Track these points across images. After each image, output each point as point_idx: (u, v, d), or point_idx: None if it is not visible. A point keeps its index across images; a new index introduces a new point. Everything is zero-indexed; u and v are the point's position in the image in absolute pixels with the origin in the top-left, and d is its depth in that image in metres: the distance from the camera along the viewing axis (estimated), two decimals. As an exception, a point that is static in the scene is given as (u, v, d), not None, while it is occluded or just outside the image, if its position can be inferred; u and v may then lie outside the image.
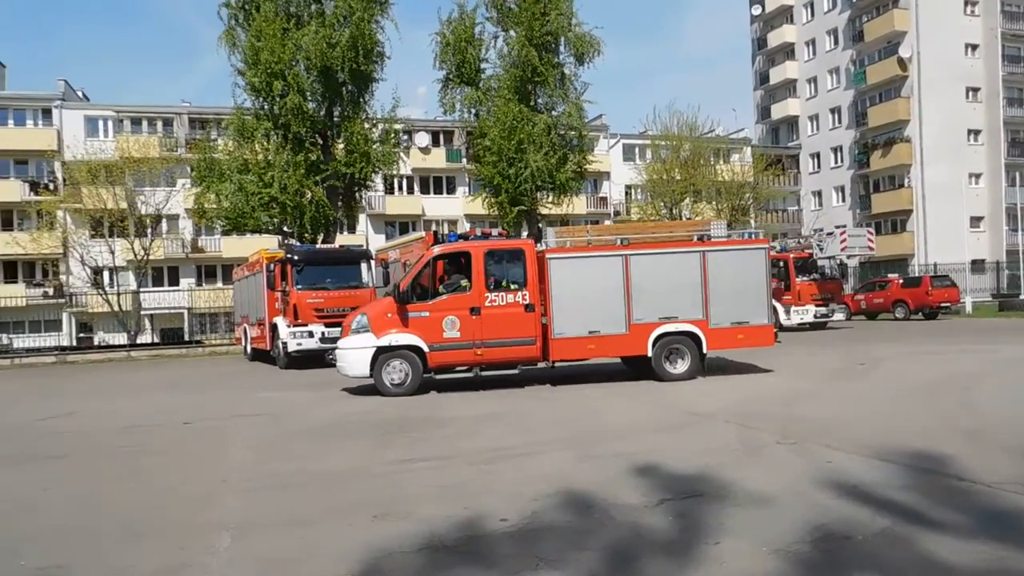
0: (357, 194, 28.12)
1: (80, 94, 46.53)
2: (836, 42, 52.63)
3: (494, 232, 13.20)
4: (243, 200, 24.82)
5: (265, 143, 25.27)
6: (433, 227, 44.93)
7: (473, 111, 29.41)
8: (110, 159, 35.26)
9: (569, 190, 29.60)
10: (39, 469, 7.71)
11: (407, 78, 69.14)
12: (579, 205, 41.16)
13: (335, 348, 13.07)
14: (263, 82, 24.28)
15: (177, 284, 41.90)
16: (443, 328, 12.09)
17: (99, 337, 38.79)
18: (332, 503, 5.77)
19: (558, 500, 5.48)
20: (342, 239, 30.07)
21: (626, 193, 48.90)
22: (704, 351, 12.49)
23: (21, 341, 36.71)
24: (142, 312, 34.62)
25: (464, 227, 43.75)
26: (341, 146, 26.63)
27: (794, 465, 6.35)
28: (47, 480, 7.09)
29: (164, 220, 38.14)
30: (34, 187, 40.07)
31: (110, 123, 42.57)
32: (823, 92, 53.75)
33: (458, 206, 46.57)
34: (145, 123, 43.24)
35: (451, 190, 47.81)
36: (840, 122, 52.67)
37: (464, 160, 44.75)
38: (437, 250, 12.52)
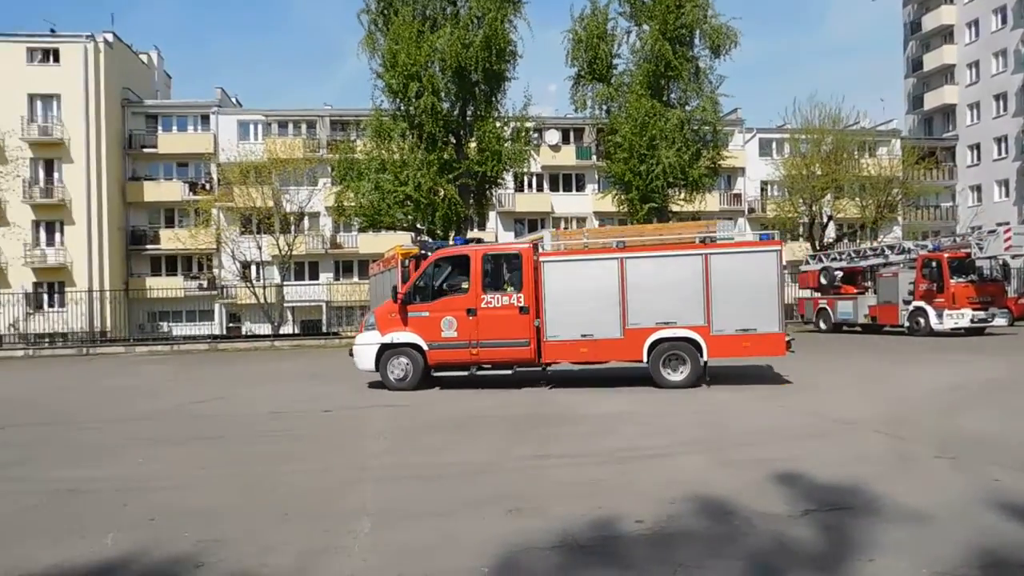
0: (488, 192, 28.57)
1: (234, 100, 49.95)
2: (1004, 21, 48.40)
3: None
4: (379, 198, 25.80)
5: (401, 143, 26.13)
6: (563, 224, 45.06)
7: (604, 107, 29.21)
8: (259, 160, 37.70)
9: (702, 187, 28.88)
10: (196, 449, 8.31)
11: (538, 76, 69.81)
12: (712, 202, 40.05)
13: None
14: (400, 84, 25.12)
15: (316, 278, 44.14)
16: (441, 328, 12.73)
17: (246, 327, 41.47)
18: (466, 495, 5.87)
19: (696, 504, 5.32)
20: (472, 236, 30.65)
21: (761, 190, 47.07)
22: (705, 358, 12.03)
23: (179, 329, 39.87)
24: (285, 304, 36.75)
25: (593, 224, 43.58)
26: (473, 145, 27.13)
27: (955, 482, 5.87)
28: (204, 460, 7.62)
29: (306, 217, 40.27)
30: (193, 187, 43.41)
31: (260, 127, 45.40)
32: (986, 77, 49.59)
33: (587, 203, 46.41)
34: (291, 126, 45.81)
35: (580, 187, 47.72)
36: (1005, 110, 48.42)
37: (594, 157, 44.51)
38: (440, 253, 13.22)
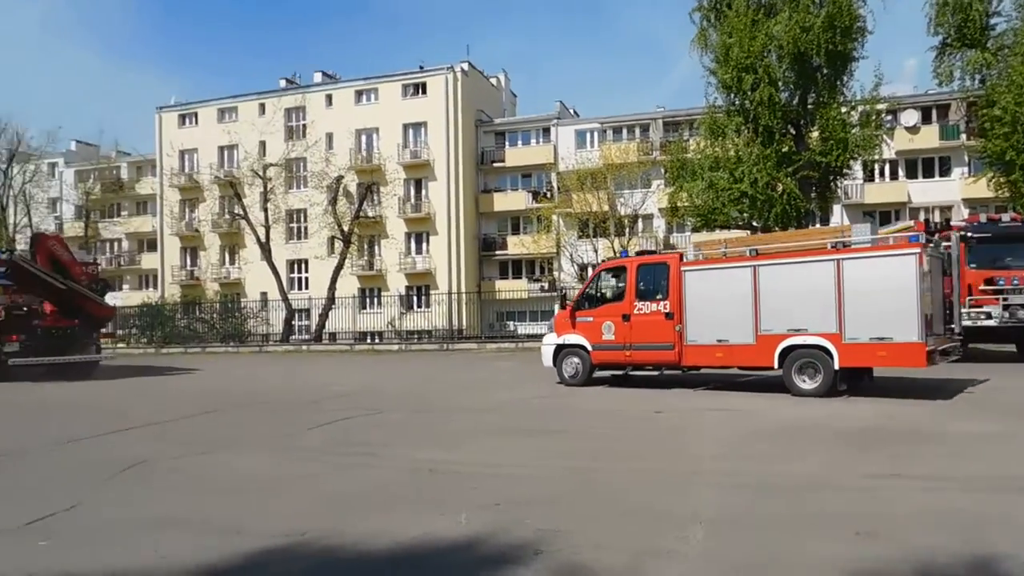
0: (832, 184, 26.47)
1: (572, 112, 52.79)
2: None
3: (1005, 217, 11.45)
4: (713, 196, 25.30)
5: (735, 138, 25.35)
6: (922, 215, 40.01)
7: (977, 77, 25.36)
8: (595, 167, 39.34)
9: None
10: (539, 441, 8.83)
11: (893, 51, 62.84)
12: None
13: None
14: (733, 78, 24.40)
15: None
16: (602, 331, 14.14)
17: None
18: (806, 510, 5.41)
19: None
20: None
21: None
22: (837, 367, 11.53)
23: (523, 328, 43.14)
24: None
25: (963, 214, 37.97)
26: (815, 134, 25.35)
27: None
28: (546, 452, 8.06)
29: (640, 220, 41.06)
30: (535, 196, 46.81)
31: (595, 134, 47.37)
32: None
33: (954, 190, 40.60)
34: (625, 131, 47.05)
35: (944, 172, 41.90)
36: None
37: (963, 136, 38.87)
38: (605, 264, 15.31)
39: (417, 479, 6.80)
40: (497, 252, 48.74)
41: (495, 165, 49.11)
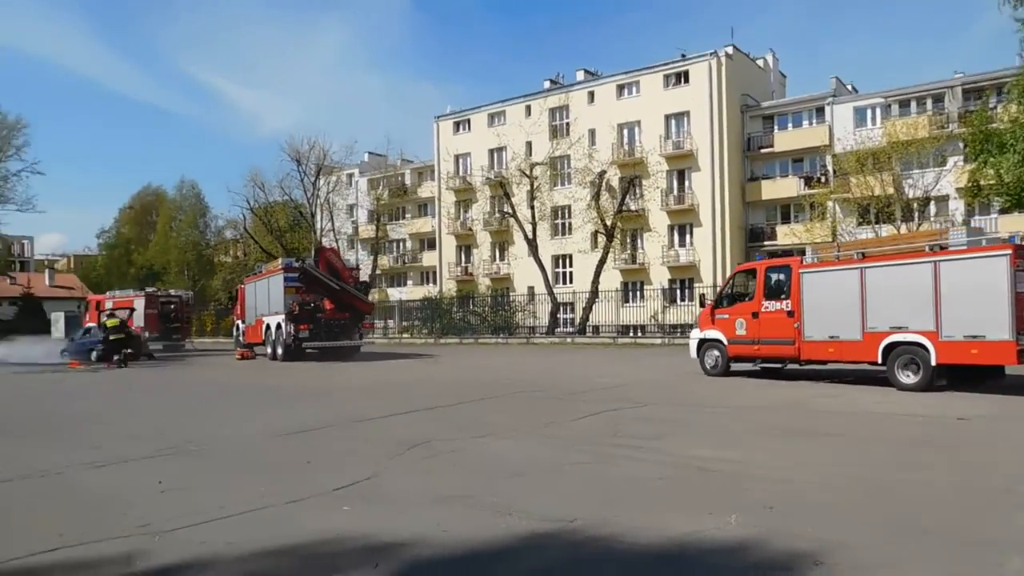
0: None
1: (850, 88, 48.57)
2: None
3: None
4: (1030, 171, 21.88)
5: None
6: None
7: None
8: (877, 146, 35.83)
9: None
10: (817, 444, 8.22)
11: None
12: None
13: None
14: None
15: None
16: (736, 327, 15.72)
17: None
18: None
19: None
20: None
21: None
22: (933, 363, 12.21)
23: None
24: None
25: None
26: None
27: None
28: (824, 455, 7.49)
29: (932, 202, 36.71)
30: (807, 182, 43.73)
31: (877, 110, 43.11)
32: None
33: None
34: (913, 104, 42.26)
35: None
36: None
37: None
38: (740, 267, 17.37)
39: (685, 475, 6.66)
40: (765, 242, 46.30)
41: (762, 151, 46.71)
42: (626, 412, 10.93)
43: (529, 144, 50.69)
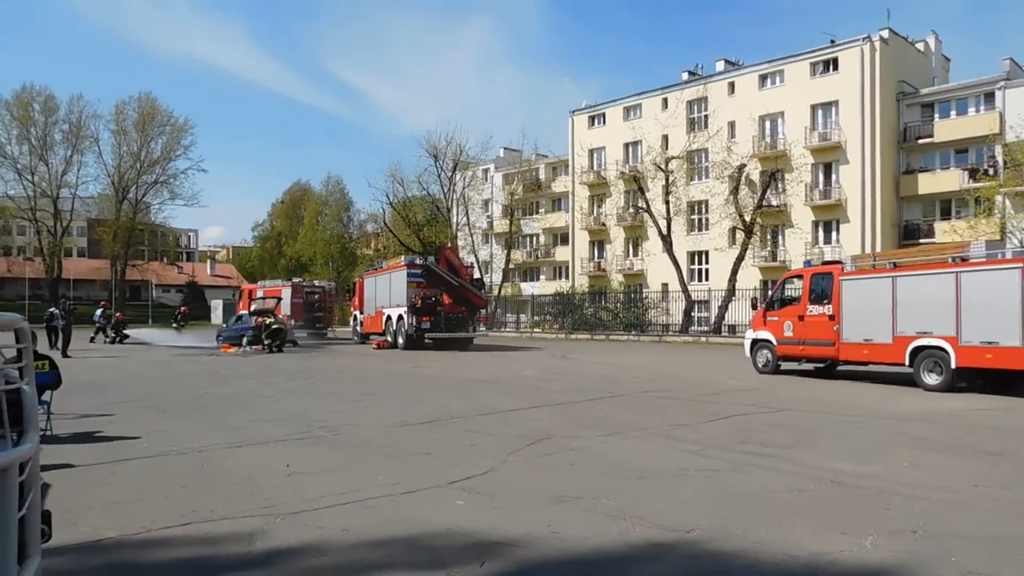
0: None
1: (1024, 70, 44.27)
2: None
3: None
4: None
5: None
6: None
7: None
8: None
9: None
10: (970, 462, 7.46)
11: None
12: None
13: None
14: None
15: None
16: (784, 329, 16.97)
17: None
18: None
19: None
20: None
21: None
22: (953, 366, 13.28)
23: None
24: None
25: None
26: None
27: None
28: (976, 475, 6.77)
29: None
30: (973, 174, 40.16)
31: (1058, 95, 39.01)
32: None
33: None
34: (1101, 87, 37.95)
35: None
36: None
37: None
38: (788, 273, 18.81)
39: (819, 489, 6.19)
40: (921, 240, 42.99)
41: (920, 142, 43.35)
42: (759, 417, 10.42)
43: (665, 137, 49.55)
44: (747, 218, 37.72)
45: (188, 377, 17.42)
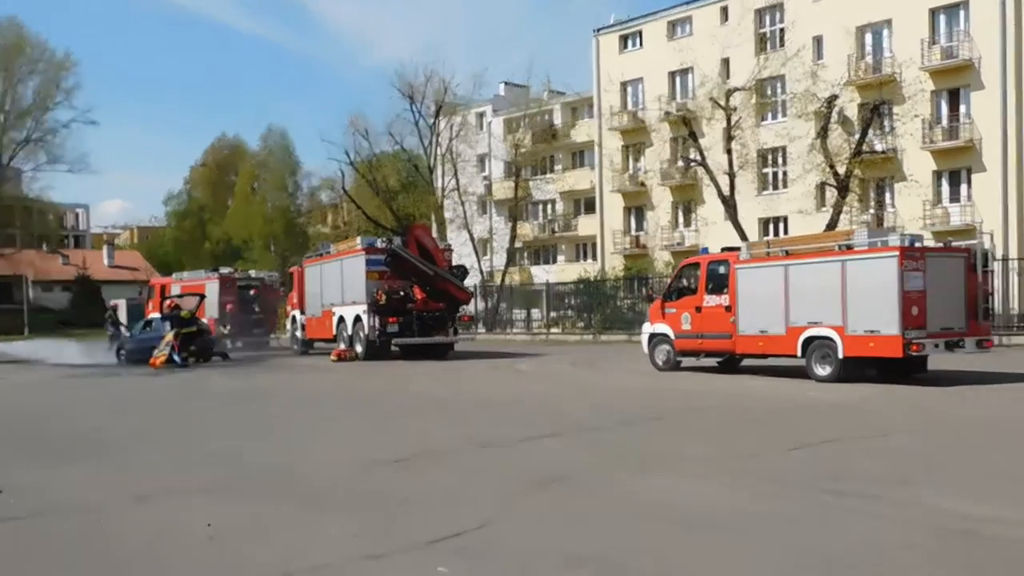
0: None
1: None
2: None
3: None
4: None
5: None
6: None
7: None
8: None
9: None
10: None
11: None
12: None
13: None
14: None
15: None
16: (681, 321, 20.52)
17: None
18: None
19: None
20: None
21: None
22: (840, 356, 16.89)
23: None
24: None
25: None
26: None
27: None
28: None
29: None
30: None
31: None
32: None
33: None
34: None
35: None
36: None
37: None
38: (686, 261, 23.55)
39: (943, 542, 6.17)
40: (1083, 194, 42.90)
41: (1081, 58, 43.13)
42: (856, 442, 10.52)
43: (726, 62, 49.39)
44: (841, 169, 37.56)
45: (80, 405, 17.55)
